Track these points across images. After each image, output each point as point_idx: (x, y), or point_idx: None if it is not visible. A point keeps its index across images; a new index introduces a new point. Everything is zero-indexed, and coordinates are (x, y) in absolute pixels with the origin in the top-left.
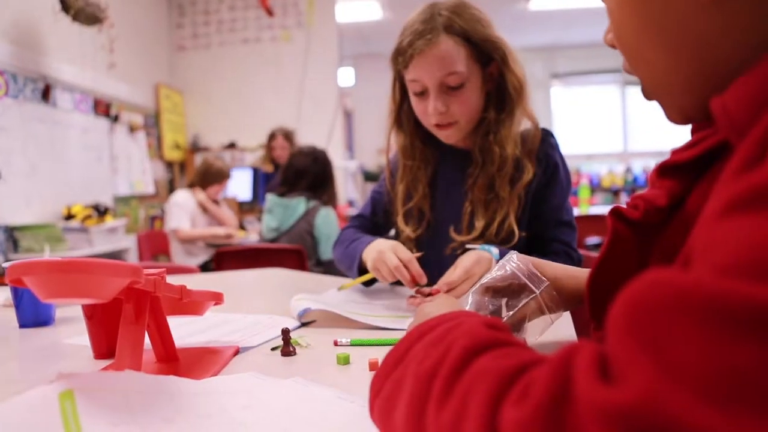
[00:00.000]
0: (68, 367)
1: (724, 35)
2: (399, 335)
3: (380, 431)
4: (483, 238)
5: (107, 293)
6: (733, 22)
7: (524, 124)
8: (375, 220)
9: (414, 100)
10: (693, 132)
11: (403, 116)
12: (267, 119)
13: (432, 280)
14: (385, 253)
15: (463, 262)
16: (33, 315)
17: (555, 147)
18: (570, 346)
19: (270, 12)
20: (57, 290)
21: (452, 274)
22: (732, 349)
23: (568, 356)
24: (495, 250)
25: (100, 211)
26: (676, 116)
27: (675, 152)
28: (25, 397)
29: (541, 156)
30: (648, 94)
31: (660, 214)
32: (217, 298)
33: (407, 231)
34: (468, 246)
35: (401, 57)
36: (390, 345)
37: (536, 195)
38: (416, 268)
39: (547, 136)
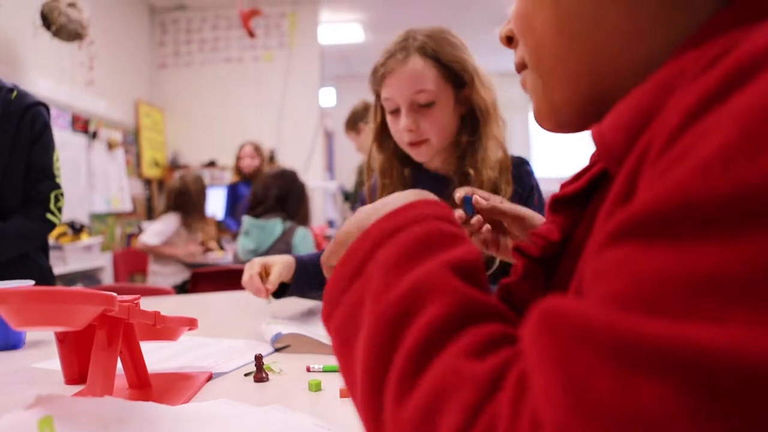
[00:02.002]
0: (39, 392)
1: (623, 39)
2: None
3: (338, 357)
4: None
5: (81, 322)
6: (635, 28)
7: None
8: None
9: (389, 119)
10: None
11: (383, 136)
12: (247, 138)
13: None
14: (254, 264)
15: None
16: (2, 338)
17: (531, 174)
18: (517, 384)
19: (252, 34)
20: (30, 319)
21: None
22: (616, 381)
23: (517, 402)
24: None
25: (76, 229)
26: (544, 115)
27: (563, 185)
28: (3, 422)
29: (517, 180)
30: (525, 83)
31: (555, 248)
32: (191, 323)
33: None
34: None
35: (375, 76)
36: None
37: None
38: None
39: (523, 164)
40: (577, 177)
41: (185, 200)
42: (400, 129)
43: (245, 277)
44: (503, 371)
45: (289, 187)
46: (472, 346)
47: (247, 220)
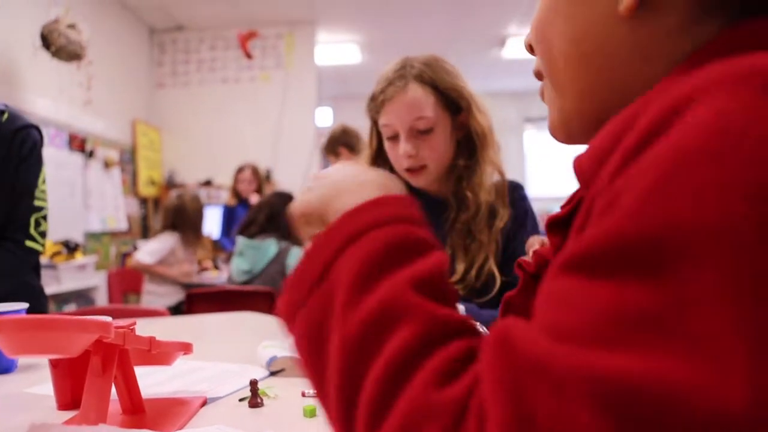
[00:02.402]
0: (31, 418)
1: (629, 57)
2: None
3: (304, 361)
4: (464, 282)
5: (75, 349)
6: (640, 47)
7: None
8: None
9: (387, 145)
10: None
11: (379, 162)
12: (244, 158)
13: None
14: None
15: None
16: None
17: (525, 198)
18: (479, 404)
19: (249, 55)
20: (25, 347)
21: None
22: (560, 412)
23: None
24: (461, 307)
25: (70, 248)
26: (557, 126)
27: (562, 207)
28: None
29: (512, 203)
30: (543, 94)
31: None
32: (185, 348)
33: None
34: None
35: (374, 103)
36: None
37: (505, 241)
38: None
39: (516, 188)
40: (570, 200)
41: (182, 219)
42: (399, 155)
43: None
44: (467, 400)
45: (282, 207)
46: (438, 373)
47: (241, 240)
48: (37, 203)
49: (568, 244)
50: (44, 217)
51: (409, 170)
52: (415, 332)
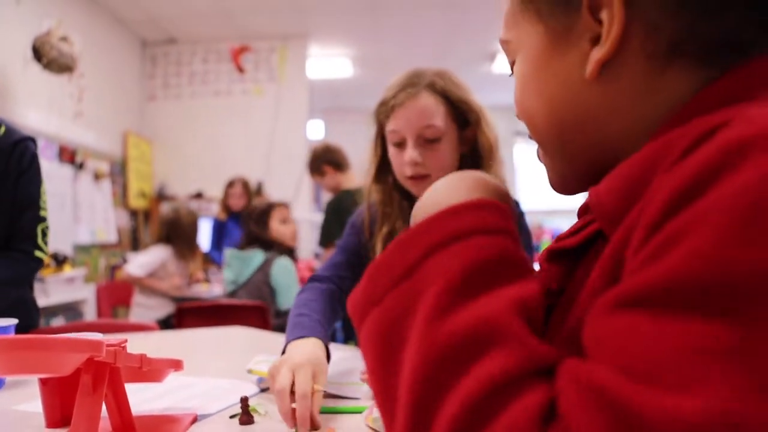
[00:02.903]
0: None
1: (605, 115)
2: (360, 403)
3: (369, 362)
4: None
5: (67, 369)
6: (612, 104)
7: None
8: (340, 274)
9: (392, 152)
10: (579, 214)
11: (383, 169)
12: (235, 170)
13: None
14: (284, 365)
15: None
16: None
17: (523, 215)
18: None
19: (241, 69)
20: (16, 367)
21: None
22: None
23: None
24: None
25: (59, 260)
26: (556, 184)
27: (560, 238)
28: None
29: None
30: (539, 157)
31: (552, 297)
32: (176, 365)
33: None
34: None
35: (384, 108)
36: (349, 413)
37: None
38: (305, 406)
39: (517, 205)
40: (575, 231)
41: (177, 233)
42: (404, 161)
43: (277, 387)
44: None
45: (265, 219)
46: (540, 408)
47: (228, 252)
48: (41, 213)
49: (598, 276)
50: (48, 228)
51: (412, 178)
52: (512, 363)
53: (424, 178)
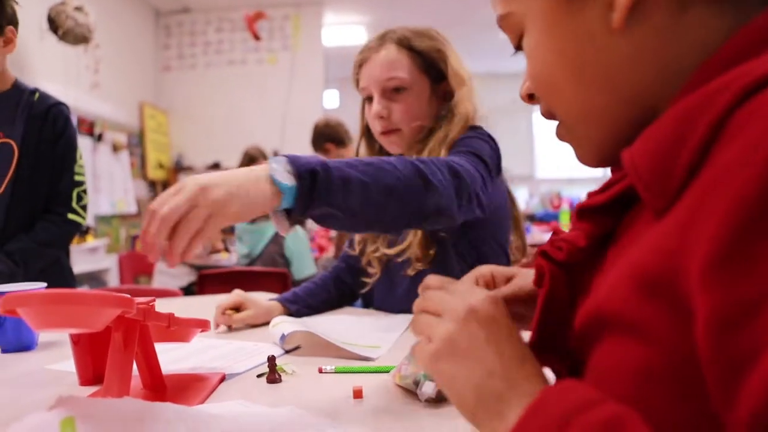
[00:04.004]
0: (55, 393)
1: (633, 65)
2: (384, 363)
3: None
4: (411, 249)
5: (99, 324)
6: (640, 52)
7: None
8: (348, 253)
9: (366, 109)
10: (612, 171)
11: (370, 134)
12: (251, 140)
13: (384, 302)
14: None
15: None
16: (16, 340)
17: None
18: None
19: (257, 36)
20: (50, 321)
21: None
22: None
23: None
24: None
25: (82, 231)
26: (590, 156)
27: (590, 195)
28: (26, 423)
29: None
30: (563, 135)
31: (581, 254)
32: (203, 325)
33: (370, 249)
34: None
35: (354, 67)
36: (376, 373)
37: None
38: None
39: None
40: (605, 188)
41: None
42: (372, 115)
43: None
44: None
45: None
46: None
47: (239, 226)
48: (77, 177)
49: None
50: (84, 191)
51: (383, 134)
52: None
53: (393, 133)
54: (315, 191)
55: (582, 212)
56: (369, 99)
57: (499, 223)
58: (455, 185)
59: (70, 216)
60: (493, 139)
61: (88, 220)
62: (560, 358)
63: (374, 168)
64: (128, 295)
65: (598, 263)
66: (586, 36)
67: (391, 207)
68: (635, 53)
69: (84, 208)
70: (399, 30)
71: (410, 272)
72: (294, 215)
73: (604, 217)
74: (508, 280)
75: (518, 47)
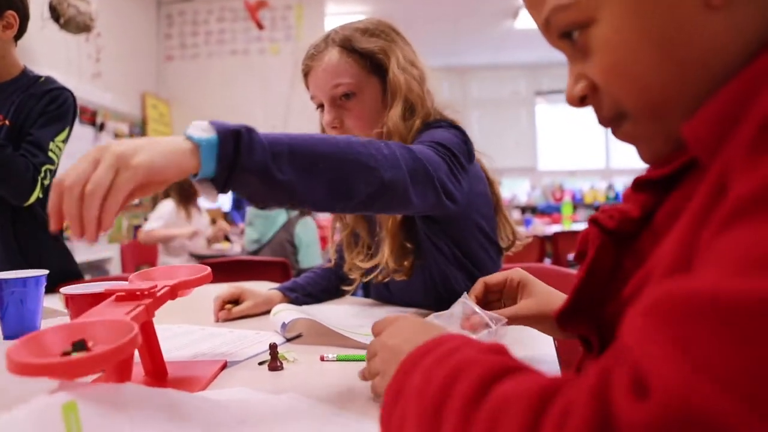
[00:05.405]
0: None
1: (728, 43)
2: None
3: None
4: (388, 265)
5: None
6: (736, 28)
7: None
8: (339, 254)
9: (319, 118)
10: (634, 188)
11: None
12: None
13: (379, 293)
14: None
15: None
16: (18, 326)
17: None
18: (602, 368)
19: (260, 25)
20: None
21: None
22: (747, 346)
23: (603, 379)
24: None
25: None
26: (661, 150)
27: (650, 169)
28: (28, 408)
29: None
30: (630, 133)
31: (633, 225)
32: (206, 277)
33: (350, 256)
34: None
35: (303, 77)
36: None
37: None
38: (217, 305)
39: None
40: (665, 162)
41: (180, 186)
42: (324, 125)
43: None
44: (566, 381)
45: None
46: (520, 382)
47: (251, 211)
48: (50, 154)
49: (695, 205)
50: (51, 173)
51: None
52: (486, 368)
53: None
54: (238, 153)
55: (639, 184)
56: (321, 107)
57: (483, 213)
58: (409, 165)
59: (37, 177)
60: (458, 128)
61: None
62: (591, 326)
63: (309, 137)
64: (136, 327)
65: (651, 234)
66: (680, 13)
67: (324, 176)
68: (733, 30)
69: (44, 188)
70: (342, 30)
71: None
72: (217, 180)
73: (660, 189)
74: (519, 285)
75: (564, 37)
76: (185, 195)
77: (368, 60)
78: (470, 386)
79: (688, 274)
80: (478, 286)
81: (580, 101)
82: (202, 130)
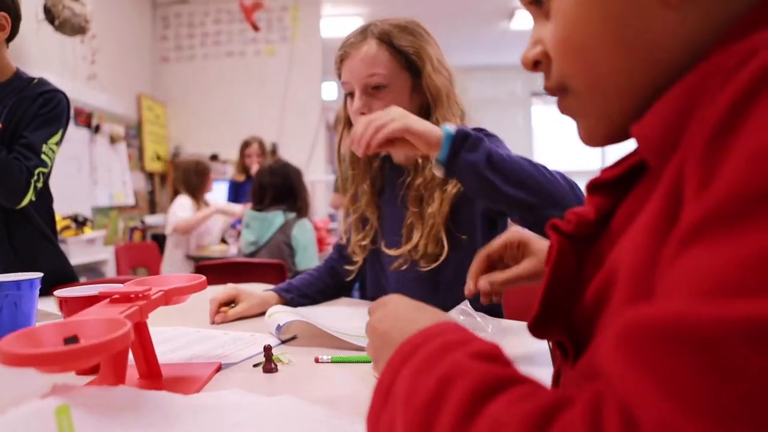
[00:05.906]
0: (51, 381)
1: (677, 41)
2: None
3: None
4: (417, 250)
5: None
6: (687, 29)
7: None
8: (339, 243)
9: (348, 104)
10: (588, 190)
11: (352, 124)
12: (249, 132)
13: (375, 294)
14: (227, 289)
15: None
16: (12, 329)
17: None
18: (593, 396)
19: (256, 27)
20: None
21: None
22: (720, 373)
23: (596, 410)
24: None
25: (79, 222)
26: (599, 131)
27: (603, 171)
28: (20, 411)
29: None
30: (570, 107)
31: (590, 227)
32: (200, 285)
33: (355, 238)
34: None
35: (335, 62)
36: (361, 362)
37: (456, 206)
38: (213, 308)
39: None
40: (616, 164)
41: (181, 178)
42: (353, 111)
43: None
44: (560, 404)
45: (289, 180)
46: (515, 401)
47: (248, 213)
48: (43, 156)
49: (650, 207)
50: (44, 174)
51: None
52: (476, 382)
53: None
54: (464, 145)
55: (594, 187)
56: (351, 94)
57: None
58: (568, 182)
59: (32, 180)
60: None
61: (87, 213)
62: (563, 332)
63: (520, 157)
64: (127, 322)
65: (608, 237)
66: (640, 2)
67: (526, 191)
68: (682, 29)
69: (36, 191)
70: (380, 24)
71: (403, 267)
72: (445, 164)
73: (615, 192)
74: (519, 246)
75: (531, 3)
76: (192, 190)
77: (403, 56)
78: (460, 403)
79: (653, 299)
80: (478, 261)
81: (533, 65)
82: (450, 127)
